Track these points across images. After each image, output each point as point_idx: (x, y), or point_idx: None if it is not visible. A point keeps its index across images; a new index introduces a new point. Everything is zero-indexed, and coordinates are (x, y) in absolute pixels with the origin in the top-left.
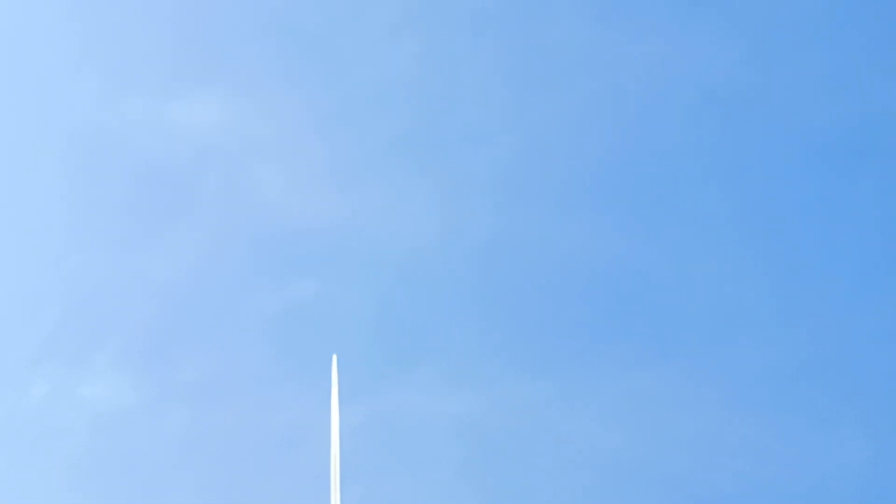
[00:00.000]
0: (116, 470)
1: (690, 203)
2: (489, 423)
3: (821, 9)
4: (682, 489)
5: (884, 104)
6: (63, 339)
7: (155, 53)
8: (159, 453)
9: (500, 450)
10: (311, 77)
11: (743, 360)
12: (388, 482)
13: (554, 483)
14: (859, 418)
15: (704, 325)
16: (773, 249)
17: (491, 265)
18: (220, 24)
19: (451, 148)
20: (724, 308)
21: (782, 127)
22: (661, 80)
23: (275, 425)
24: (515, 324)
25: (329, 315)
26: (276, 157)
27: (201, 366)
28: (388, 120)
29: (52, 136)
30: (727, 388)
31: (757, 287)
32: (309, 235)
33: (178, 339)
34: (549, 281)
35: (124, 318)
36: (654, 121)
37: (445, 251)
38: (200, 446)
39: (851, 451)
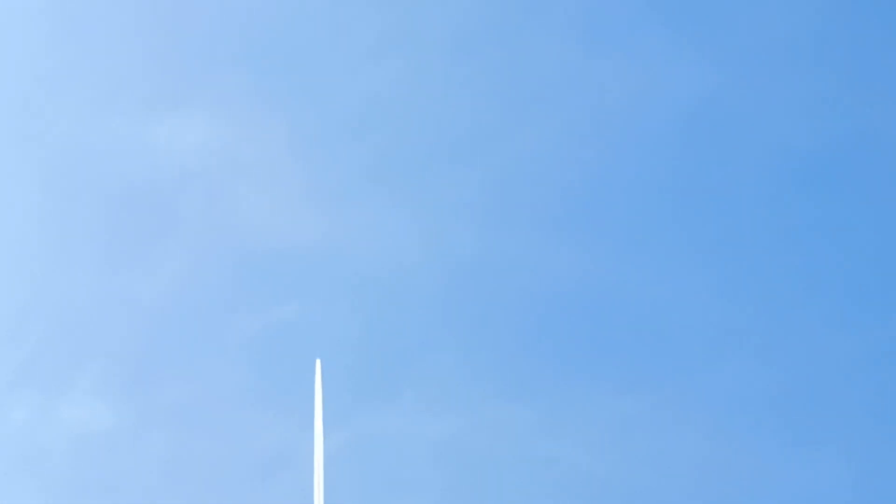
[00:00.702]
0: (96, 494)
1: (673, 227)
2: (471, 448)
3: (800, 33)
4: None
5: (866, 126)
6: (42, 362)
7: (136, 75)
8: (140, 477)
9: (483, 474)
10: (292, 99)
11: (725, 385)
12: None
13: None
14: (842, 444)
15: (687, 350)
16: (757, 274)
17: (473, 288)
18: (201, 46)
19: (432, 170)
20: (707, 333)
21: (764, 150)
22: (642, 102)
23: (256, 449)
24: (498, 347)
25: (310, 338)
26: (257, 178)
27: (182, 389)
28: (370, 141)
29: (32, 156)
30: (709, 414)
31: (740, 312)
32: (290, 257)
33: (159, 362)
34: (531, 304)
35: (104, 341)
36: (635, 144)
37: (427, 273)
38: (181, 471)
39: (834, 478)
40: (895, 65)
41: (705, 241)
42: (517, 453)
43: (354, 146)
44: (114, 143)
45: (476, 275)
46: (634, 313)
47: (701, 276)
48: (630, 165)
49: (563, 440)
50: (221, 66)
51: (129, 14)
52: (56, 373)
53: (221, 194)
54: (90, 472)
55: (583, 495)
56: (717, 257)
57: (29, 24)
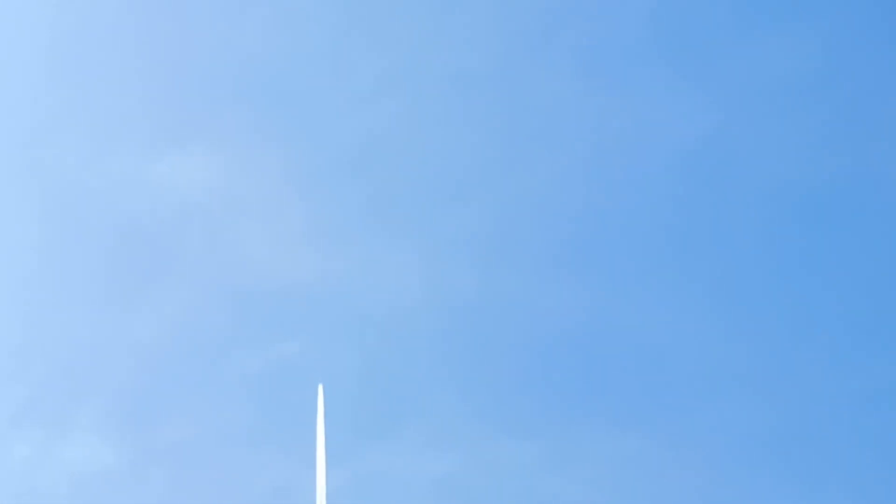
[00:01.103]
0: None
1: (673, 265)
2: (472, 485)
3: (798, 73)
4: None
5: (864, 166)
6: (43, 400)
7: (138, 114)
8: None
9: None
10: (293, 137)
11: (724, 423)
12: None
13: None
14: (840, 483)
15: (687, 389)
16: (755, 313)
17: (473, 325)
18: (202, 85)
19: (432, 208)
20: (706, 372)
21: (763, 188)
22: (642, 141)
23: (258, 487)
24: (498, 384)
25: (311, 376)
26: (257, 216)
27: (182, 427)
28: (369, 180)
29: (33, 194)
30: (709, 451)
31: (739, 351)
32: (291, 295)
33: (159, 400)
34: (532, 342)
35: (105, 379)
36: (635, 182)
37: (427, 311)
38: None
39: None
40: (891, 105)
41: (704, 279)
42: (518, 490)
43: (354, 184)
44: (114, 180)
45: (476, 313)
46: (634, 352)
47: (700, 315)
48: (630, 204)
49: (563, 477)
50: (222, 105)
51: (130, 53)
52: (56, 411)
53: (222, 232)
54: None
55: None
56: (716, 296)
57: (31, 63)
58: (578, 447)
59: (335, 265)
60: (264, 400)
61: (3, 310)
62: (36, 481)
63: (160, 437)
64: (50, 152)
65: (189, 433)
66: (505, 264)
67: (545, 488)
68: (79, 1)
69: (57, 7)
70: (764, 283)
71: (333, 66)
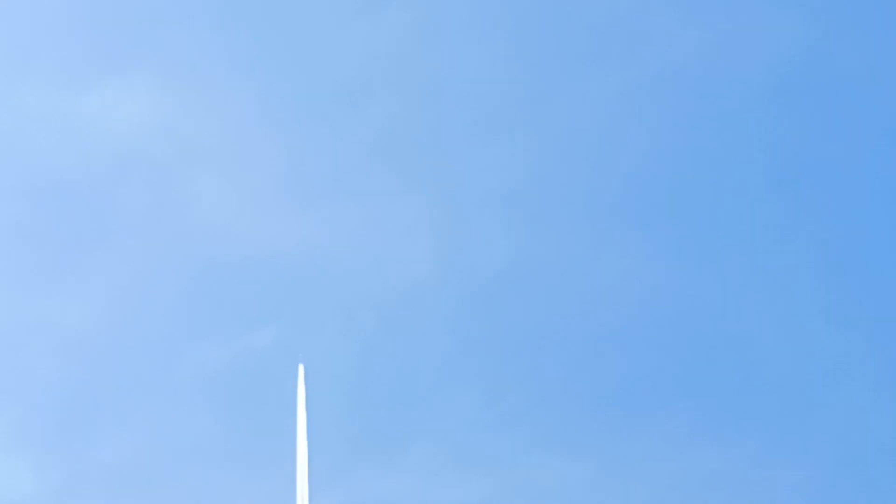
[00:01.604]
0: None
1: (758, 223)
2: None
3: None
4: None
5: None
6: None
7: (62, 33)
8: None
9: None
10: (265, 62)
11: (836, 431)
12: None
13: None
14: None
15: (787, 387)
16: (879, 289)
17: (501, 308)
18: None
19: (447, 153)
20: (812, 365)
21: (872, 125)
22: (716, 65)
23: None
24: (534, 385)
25: (291, 372)
26: (219, 165)
27: (123, 443)
28: (367, 117)
29: None
30: (817, 465)
31: (854, 338)
32: (264, 268)
33: (93, 409)
34: (576, 328)
35: (22, 381)
36: (706, 117)
37: (441, 289)
38: None
39: None
40: None
41: (801, 237)
42: None
43: (347, 122)
44: (30, 118)
45: (504, 290)
46: (717, 341)
47: (805, 294)
48: (700, 144)
49: (623, 502)
50: (174, 22)
51: None
52: None
53: (173, 186)
54: None
55: None
56: (828, 269)
57: None
58: (643, 463)
59: (321, 229)
60: (230, 404)
61: None
62: None
63: (94, 456)
64: None
65: (132, 450)
66: (541, 226)
67: None
68: None
69: None
70: (881, 237)
71: None
